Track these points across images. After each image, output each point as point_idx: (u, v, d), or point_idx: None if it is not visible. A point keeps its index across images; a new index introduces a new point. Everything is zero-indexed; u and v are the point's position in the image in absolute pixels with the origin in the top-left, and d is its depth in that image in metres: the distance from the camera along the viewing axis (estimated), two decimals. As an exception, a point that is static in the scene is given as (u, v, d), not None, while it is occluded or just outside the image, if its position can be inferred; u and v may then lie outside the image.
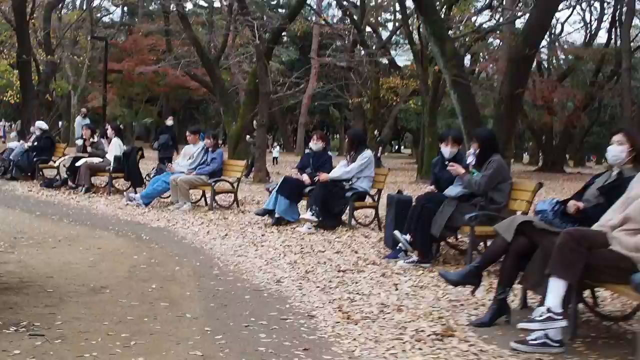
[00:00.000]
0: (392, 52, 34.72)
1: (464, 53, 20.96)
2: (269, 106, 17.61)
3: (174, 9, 20.65)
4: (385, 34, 33.73)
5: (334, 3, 40.26)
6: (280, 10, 42.74)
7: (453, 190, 6.42)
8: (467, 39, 20.67)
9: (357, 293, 5.09)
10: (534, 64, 23.33)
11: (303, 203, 8.89)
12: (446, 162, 6.60)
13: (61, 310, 4.25)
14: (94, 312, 4.29)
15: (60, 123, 35.14)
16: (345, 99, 34.04)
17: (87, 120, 19.10)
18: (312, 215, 8.09)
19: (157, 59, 28.83)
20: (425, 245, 6.32)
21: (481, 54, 33.36)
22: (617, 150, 4.36)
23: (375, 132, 27.46)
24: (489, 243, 6.75)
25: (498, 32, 24.54)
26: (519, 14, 20.43)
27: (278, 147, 30.67)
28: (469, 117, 10.66)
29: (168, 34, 24.84)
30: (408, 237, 6.36)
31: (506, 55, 19.14)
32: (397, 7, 29.00)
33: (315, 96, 39.19)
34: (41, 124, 13.98)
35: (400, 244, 6.47)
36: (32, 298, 4.49)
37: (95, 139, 12.34)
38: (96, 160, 11.69)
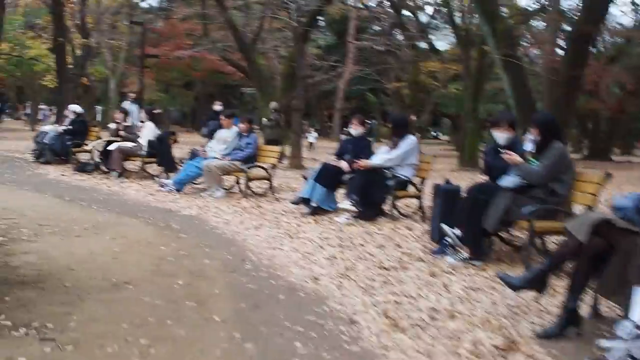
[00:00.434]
0: (431, 37, 33.88)
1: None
2: (305, 91, 17.11)
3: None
4: (423, 18, 32.91)
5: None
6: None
7: (508, 181, 5.86)
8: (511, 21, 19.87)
9: (404, 295, 4.59)
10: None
11: (341, 192, 8.43)
12: (501, 150, 6.02)
13: (78, 309, 3.84)
14: (114, 311, 3.87)
15: (97, 107, 35.18)
16: (383, 83, 33.35)
17: (135, 106, 18.82)
18: (351, 204, 7.60)
19: (194, 43, 28.52)
20: (476, 241, 5.79)
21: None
22: None
23: (413, 117, 26.77)
24: (548, 240, 6.27)
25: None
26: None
27: (314, 133, 30.16)
28: (522, 101, 9.98)
29: (204, 18, 24.49)
30: (457, 231, 5.85)
31: (552, 38, 18.36)
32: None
33: (352, 81, 38.62)
34: (75, 107, 13.70)
35: (448, 239, 5.97)
36: (49, 294, 4.10)
37: (129, 122, 12.02)
38: (129, 144, 11.35)
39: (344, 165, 8.14)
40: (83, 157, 12.98)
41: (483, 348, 3.51)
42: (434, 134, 66.51)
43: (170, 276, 4.79)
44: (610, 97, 29.58)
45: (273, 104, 19.53)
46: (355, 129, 8.58)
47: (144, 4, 43.16)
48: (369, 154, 8.27)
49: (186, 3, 37.27)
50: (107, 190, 9.72)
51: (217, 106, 16.58)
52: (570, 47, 11.49)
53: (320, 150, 26.61)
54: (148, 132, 11.24)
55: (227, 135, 10.14)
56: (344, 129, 51.86)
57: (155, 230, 6.66)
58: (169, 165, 11.19)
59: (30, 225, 6.32)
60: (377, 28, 36.07)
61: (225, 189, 9.91)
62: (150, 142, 11.12)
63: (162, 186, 9.83)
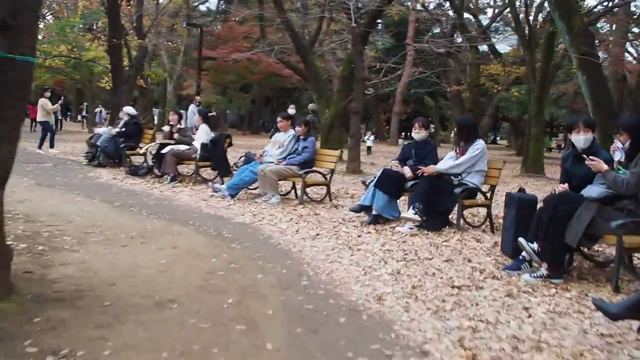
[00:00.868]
0: (493, 39, 32.92)
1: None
2: (363, 93, 16.60)
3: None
4: (483, 21, 32.04)
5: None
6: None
7: (593, 191, 5.25)
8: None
9: (480, 320, 4.04)
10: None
11: (404, 199, 7.90)
12: (583, 155, 5.39)
13: (114, 333, 3.43)
14: (154, 336, 3.44)
15: (154, 110, 35.43)
16: (442, 86, 32.56)
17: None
18: (415, 213, 7.06)
19: (251, 46, 28.36)
20: (557, 257, 5.19)
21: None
22: None
23: (473, 121, 25.93)
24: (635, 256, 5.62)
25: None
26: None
27: (372, 136, 29.56)
28: (600, 102, 9.18)
29: (262, 20, 24.24)
30: (535, 246, 5.26)
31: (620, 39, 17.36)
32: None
33: (410, 84, 37.90)
34: (129, 109, 13.50)
35: (524, 254, 5.38)
36: (84, 314, 3.70)
37: (183, 125, 11.72)
38: (182, 147, 11.04)
39: (406, 171, 7.62)
40: (137, 160, 12.78)
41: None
42: (492, 138, 65.08)
43: (220, 293, 4.36)
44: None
45: (311, 105, 19.17)
46: (418, 133, 8.02)
47: (202, 7, 43.47)
48: (434, 159, 7.72)
49: (244, 5, 37.32)
50: (159, 195, 9.41)
51: (291, 109, 16.07)
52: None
53: (378, 155, 26.07)
54: (202, 135, 10.92)
55: (283, 138, 9.72)
56: (402, 133, 51.12)
57: (206, 240, 6.26)
58: (224, 169, 10.83)
59: (75, 233, 6.00)
60: (436, 31, 35.31)
61: (281, 195, 9.49)
62: (204, 146, 10.79)
63: (215, 191, 9.47)
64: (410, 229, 7.11)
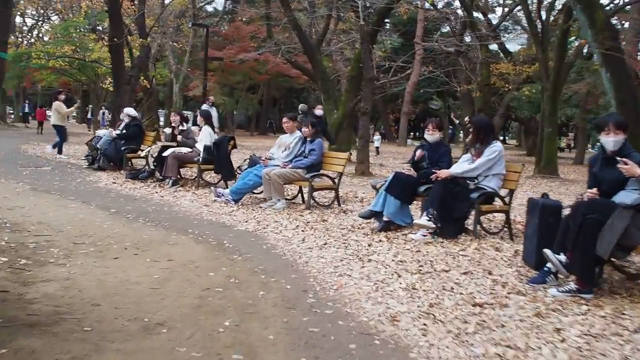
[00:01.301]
0: (502, 38, 32.44)
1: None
2: (372, 93, 16.13)
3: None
4: (493, 20, 31.55)
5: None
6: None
7: (627, 197, 4.77)
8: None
9: (508, 345, 3.58)
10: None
11: (416, 204, 7.45)
12: (617, 158, 4.91)
13: (92, 366, 3.00)
14: (137, 369, 3.01)
15: (160, 111, 35.05)
16: (452, 86, 32.06)
17: (214, 110, 18.24)
18: (429, 220, 6.59)
19: (258, 46, 27.96)
20: (587, 269, 4.71)
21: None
22: None
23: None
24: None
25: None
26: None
27: (379, 137, 29.09)
28: (625, 101, 8.66)
29: (269, 19, 23.85)
30: (562, 257, 4.79)
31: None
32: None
33: (419, 84, 37.42)
34: (130, 111, 13.07)
35: (550, 265, 4.91)
36: (59, 343, 3.26)
37: (185, 127, 11.29)
38: (185, 150, 10.60)
39: (418, 153, 7.15)
40: (139, 163, 12.37)
41: None
42: (502, 137, 64.52)
43: (216, 314, 3.91)
44: None
45: (301, 106, 18.78)
46: (432, 134, 7.55)
47: (209, 8, 43.14)
48: (448, 162, 7.25)
49: (251, 4, 36.97)
50: (159, 201, 8.98)
51: (319, 110, 15.49)
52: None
53: (387, 156, 25.62)
54: (205, 136, 10.48)
55: (289, 140, 9.27)
56: (411, 133, 50.52)
57: (205, 250, 5.82)
58: (227, 172, 10.40)
59: (63, 244, 5.58)
60: (444, 30, 34.84)
61: (287, 199, 9.05)
62: (207, 148, 10.34)
63: (218, 196, 9.03)
64: (424, 236, 6.65)
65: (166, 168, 10.47)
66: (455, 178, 6.82)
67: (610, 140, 5.09)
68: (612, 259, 5.12)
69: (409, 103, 40.80)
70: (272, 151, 9.46)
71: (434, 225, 6.60)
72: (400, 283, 4.85)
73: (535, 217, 5.48)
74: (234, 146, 10.88)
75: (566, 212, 5.18)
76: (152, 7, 29.61)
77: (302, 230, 7.02)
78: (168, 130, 11.43)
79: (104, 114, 32.67)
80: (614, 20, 27.66)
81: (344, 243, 6.36)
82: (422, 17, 35.22)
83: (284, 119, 9.67)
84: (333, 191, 9.06)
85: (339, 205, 8.93)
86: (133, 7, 23.27)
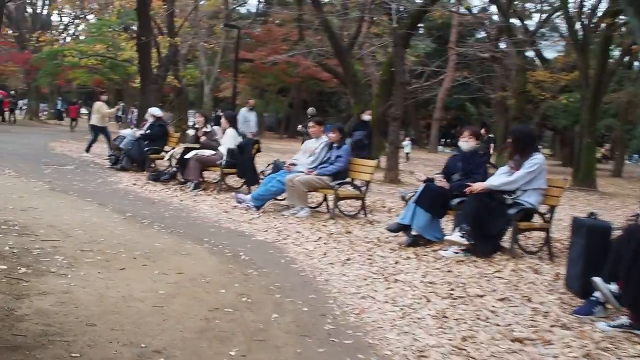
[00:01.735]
0: (539, 45, 31.66)
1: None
2: (404, 98, 15.65)
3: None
4: (529, 27, 30.79)
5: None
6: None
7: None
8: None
9: (553, 393, 3.12)
10: None
11: (448, 218, 6.98)
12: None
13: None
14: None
15: (190, 112, 34.91)
16: (486, 93, 31.38)
17: (254, 114, 17.93)
18: (462, 236, 6.13)
19: (290, 48, 27.65)
20: (643, 302, 4.21)
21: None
22: None
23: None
24: None
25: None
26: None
27: (409, 142, 28.53)
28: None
29: (300, 22, 23.53)
30: (614, 286, 4.30)
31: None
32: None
33: (451, 90, 36.80)
34: (155, 111, 12.76)
35: (598, 294, 4.42)
36: (43, 370, 2.90)
37: (209, 128, 10.94)
38: (207, 152, 10.24)
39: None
40: (163, 164, 12.07)
41: None
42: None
43: (221, 341, 3.52)
44: None
45: (310, 110, 18.33)
46: (467, 142, 7.06)
47: (242, 10, 43.02)
48: (484, 173, 6.77)
49: (283, 7, 36.72)
50: (178, 205, 8.64)
51: (366, 115, 15.01)
52: None
53: (417, 163, 25.07)
54: (229, 139, 10.12)
55: (315, 145, 8.87)
56: (442, 140, 49.84)
57: (218, 263, 5.43)
58: (250, 177, 10.02)
59: (70, 251, 5.23)
60: (479, 35, 34.20)
61: (311, 207, 8.64)
62: (230, 151, 9.98)
63: (239, 202, 8.65)
64: (456, 253, 6.19)
65: (188, 171, 10.14)
66: (491, 192, 6.34)
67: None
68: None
69: (441, 109, 40.19)
70: (297, 157, 9.06)
71: (467, 242, 6.15)
72: (429, 309, 4.40)
73: (581, 238, 5.02)
74: (258, 150, 10.51)
75: (616, 233, 4.71)
76: (185, 7, 29.46)
77: (325, 243, 6.60)
78: (191, 132, 11.09)
79: (133, 112, 32.63)
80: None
81: (369, 259, 5.92)
82: (457, 22, 34.65)
83: (310, 123, 9.28)
84: (359, 200, 8.63)
85: (365, 215, 8.49)
86: (164, 6, 23.08)
